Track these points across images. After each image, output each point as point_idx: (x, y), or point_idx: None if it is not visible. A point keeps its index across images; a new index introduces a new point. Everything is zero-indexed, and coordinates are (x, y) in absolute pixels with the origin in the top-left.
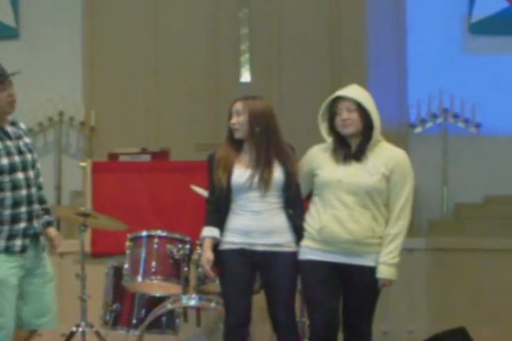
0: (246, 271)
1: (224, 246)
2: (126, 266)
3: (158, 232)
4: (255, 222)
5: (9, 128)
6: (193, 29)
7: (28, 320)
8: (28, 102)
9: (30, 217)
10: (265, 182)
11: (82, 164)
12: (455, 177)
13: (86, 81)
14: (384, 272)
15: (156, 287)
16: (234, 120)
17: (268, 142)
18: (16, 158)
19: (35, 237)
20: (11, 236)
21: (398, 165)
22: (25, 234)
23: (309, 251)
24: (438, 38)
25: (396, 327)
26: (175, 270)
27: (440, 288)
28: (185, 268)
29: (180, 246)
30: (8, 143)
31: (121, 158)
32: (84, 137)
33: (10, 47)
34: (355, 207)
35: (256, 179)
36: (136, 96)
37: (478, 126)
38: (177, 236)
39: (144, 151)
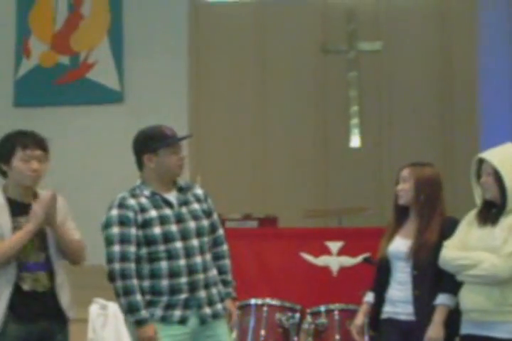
0: (393, 339)
1: (381, 315)
2: (234, 334)
3: (268, 300)
4: (400, 291)
5: (172, 195)
6: (301, 92)
7: None
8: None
9: (193, 287)
10: (413, 255)
11: None
12: None
13: (192, 147)
14: None
15: None
16: (400, 186)
17: (432, 211)
18: (173, 228)
19: (199, 308)
20: (169, 306)
21: None
22: (186, 305)
23: None
24: None
25: None
26: (284, 339)
27: None
28: (295, 338)
29: (290, 314)
30: (167, 211)
31: (228, 224)
32: None
33: (115, 110)
34: None
35: (407, 250)
36: (243, 161)
37: None
38: (287, 304)
39: (247, 217)
